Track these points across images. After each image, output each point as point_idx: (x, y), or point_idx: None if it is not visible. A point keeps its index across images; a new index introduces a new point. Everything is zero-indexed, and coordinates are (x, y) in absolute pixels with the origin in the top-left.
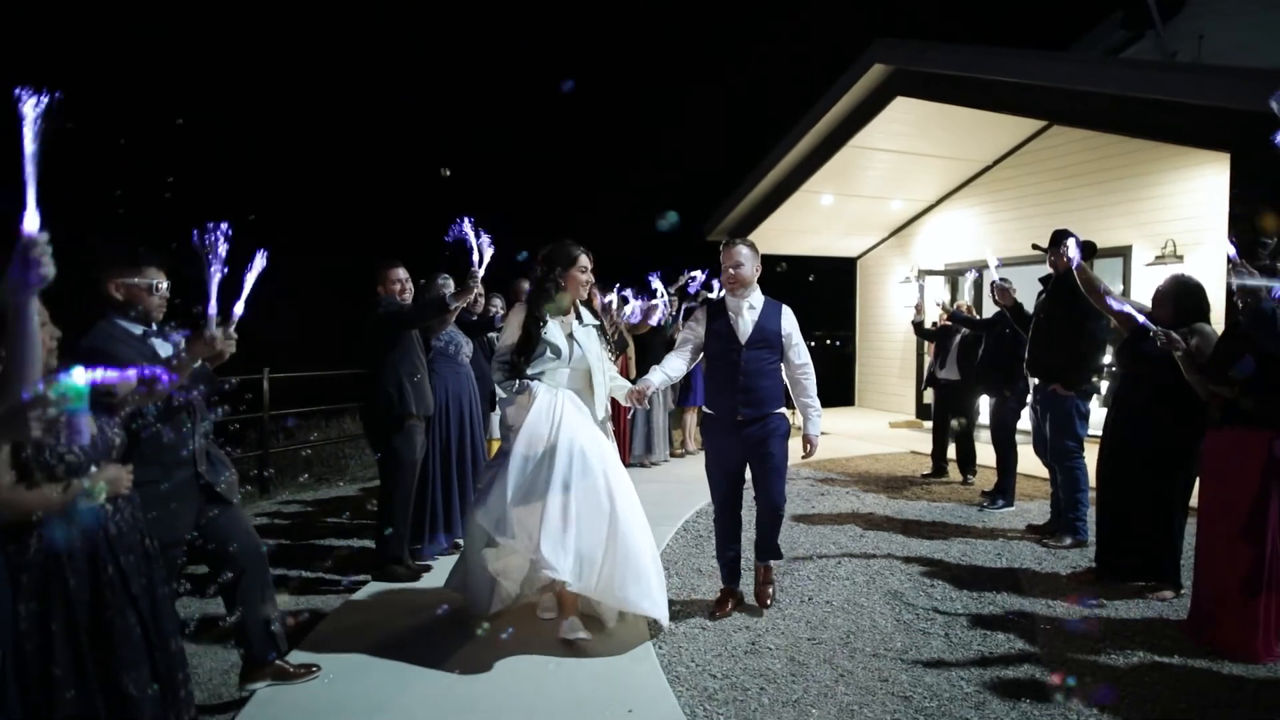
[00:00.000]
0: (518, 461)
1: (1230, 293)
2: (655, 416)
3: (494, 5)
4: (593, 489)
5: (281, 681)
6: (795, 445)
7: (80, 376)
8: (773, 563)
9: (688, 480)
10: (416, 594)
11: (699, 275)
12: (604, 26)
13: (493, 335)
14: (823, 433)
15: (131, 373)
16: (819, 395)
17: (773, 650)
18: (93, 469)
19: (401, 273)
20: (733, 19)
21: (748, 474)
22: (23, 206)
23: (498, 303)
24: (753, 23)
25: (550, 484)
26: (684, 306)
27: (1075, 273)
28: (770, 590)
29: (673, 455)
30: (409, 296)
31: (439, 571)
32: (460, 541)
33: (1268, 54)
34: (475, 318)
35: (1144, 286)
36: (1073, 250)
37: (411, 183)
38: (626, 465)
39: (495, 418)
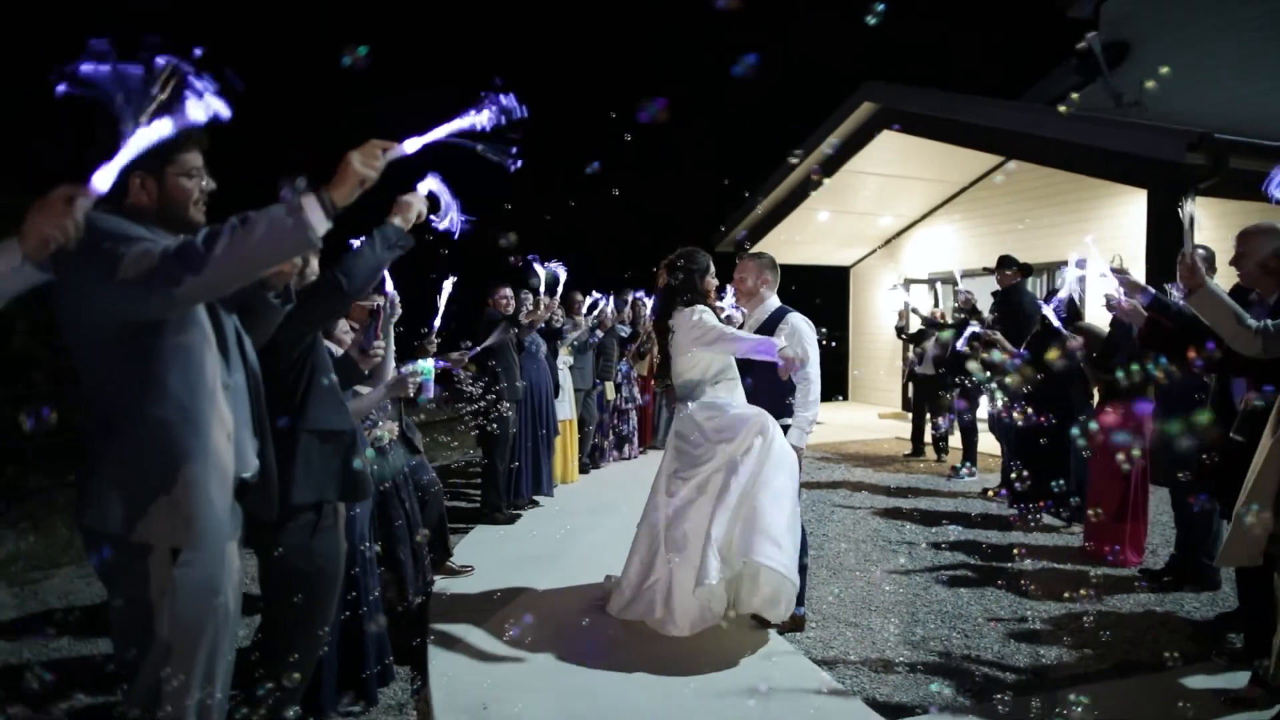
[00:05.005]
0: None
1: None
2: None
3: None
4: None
5: (450, 576)
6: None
7: (431, 362)
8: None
9: None
10: (514, 531)
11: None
12: (614, 36)
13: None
14: (818, 422)
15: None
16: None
17: None
18: (380, 422)
19: (508, 291)
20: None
21: None
22: (383, 282)
23: (560, 313)
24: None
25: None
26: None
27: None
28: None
29: None
30: (511, 309)
31: (528, 519)
32: (537, 499)
33: (1200, 99)
34: (544, 326)
35: (1096, 295)
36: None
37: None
38: (651, 447)
39: (559, 402)
